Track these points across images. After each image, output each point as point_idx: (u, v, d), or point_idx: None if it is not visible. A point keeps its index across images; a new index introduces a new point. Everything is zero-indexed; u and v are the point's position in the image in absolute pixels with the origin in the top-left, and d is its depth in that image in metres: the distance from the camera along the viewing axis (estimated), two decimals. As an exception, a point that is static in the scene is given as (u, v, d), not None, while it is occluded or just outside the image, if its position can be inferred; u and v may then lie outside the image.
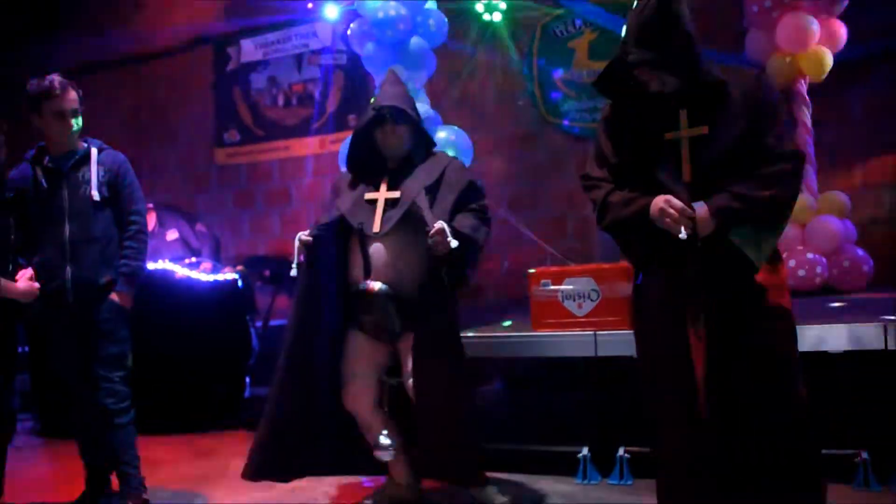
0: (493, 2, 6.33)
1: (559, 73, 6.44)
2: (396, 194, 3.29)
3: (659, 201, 2.46)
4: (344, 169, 3.61)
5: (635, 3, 2.53)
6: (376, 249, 3.25)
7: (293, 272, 3.24)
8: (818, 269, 5.06)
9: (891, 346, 3.50)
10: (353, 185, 3.44)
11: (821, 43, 5.23)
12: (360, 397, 3.35)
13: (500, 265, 6.19)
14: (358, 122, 3.49)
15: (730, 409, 2.43)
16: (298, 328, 3.29)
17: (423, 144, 3.47)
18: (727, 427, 2.43)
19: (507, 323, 4.43)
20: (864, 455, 3.44)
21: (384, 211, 3.27)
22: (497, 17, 6.37)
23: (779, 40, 5.23)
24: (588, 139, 6.39)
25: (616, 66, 2.53)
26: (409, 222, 3.23)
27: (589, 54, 6.35)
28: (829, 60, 5.26)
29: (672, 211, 2.43)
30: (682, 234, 2.42)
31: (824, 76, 5.33)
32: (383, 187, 3.33)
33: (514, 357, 3.96)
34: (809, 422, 2.43)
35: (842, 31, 5.28)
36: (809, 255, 5.07)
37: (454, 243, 3.04)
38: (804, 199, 4.96)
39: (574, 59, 6.39)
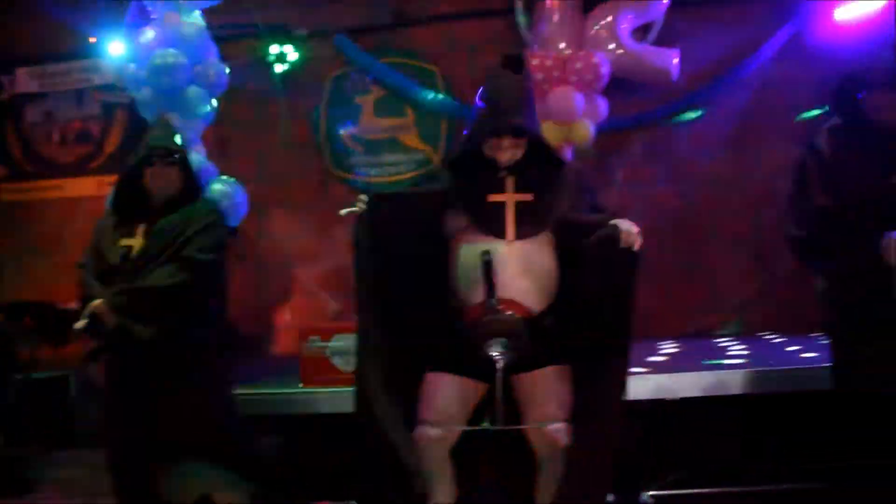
0: (284, 52, 6.37)
1: (347, 127, 6.57)
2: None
3: None
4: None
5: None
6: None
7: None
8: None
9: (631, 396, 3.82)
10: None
11: (585, 115, 5.69)
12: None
13: (282, 318, 6.14)
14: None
15: None
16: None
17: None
18: None
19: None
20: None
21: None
22: (287, 67, 6.41)
23: (548, 111, 5.63)
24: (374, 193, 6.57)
25: (475, 138, 2.79)
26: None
27: (375, 111, 6.54)
28: (591, 130, 5.74)
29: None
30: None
31: (589, 144, 5.80)
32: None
33: (283, 414, 3.93)
34: None
35: (603, 105, 5.78)
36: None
37: None
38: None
39: (361, 114, 6.54)
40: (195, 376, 3.25)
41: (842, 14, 6.08)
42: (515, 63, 2.85)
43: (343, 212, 2.86)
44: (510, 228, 2.76)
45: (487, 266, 2.68)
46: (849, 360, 2.87)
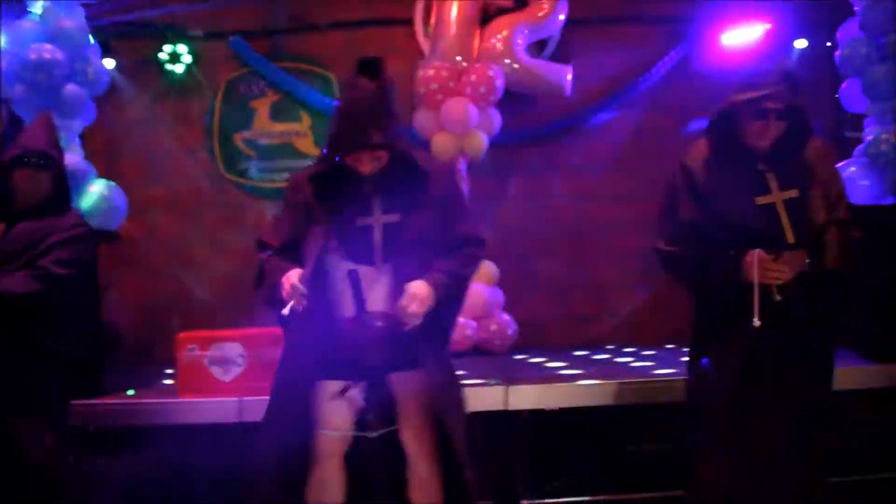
0: (178, 52, 6.23)
1: (240, 131, 6.46)
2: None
3: None
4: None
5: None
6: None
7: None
8: (468, 332, 5.50)
9: (511, 407, 3.88)
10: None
11: (479, 127, 5.74)
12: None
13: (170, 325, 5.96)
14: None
15: None
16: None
17: None
18: None
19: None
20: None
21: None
22: (180, 68, 6.26)
23: (443, 121, 5.67)
24: (267, 198, 6.48)
25: (333, 152, 2.67)
26: None
27: (270, 115, 6.46)
28: (485, 142, 5.79)
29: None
30: None
31: (482, 156, 5.86)
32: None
33: (154, 424, 3.81)
34: None
35: (497, 118, 5.85)
36: (461, 319, 5.47)
37: None
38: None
39: (255, 118, 6.46)
40: (29, 401, 3.06)
41: (728, 39, 6.35)
42: (371, 68, 2.72)
43: (285, 311, 2.65)
44: (378, 254, 2.73)
45: (355, 283, 2.66)
46: (700, 374, 2.96)
